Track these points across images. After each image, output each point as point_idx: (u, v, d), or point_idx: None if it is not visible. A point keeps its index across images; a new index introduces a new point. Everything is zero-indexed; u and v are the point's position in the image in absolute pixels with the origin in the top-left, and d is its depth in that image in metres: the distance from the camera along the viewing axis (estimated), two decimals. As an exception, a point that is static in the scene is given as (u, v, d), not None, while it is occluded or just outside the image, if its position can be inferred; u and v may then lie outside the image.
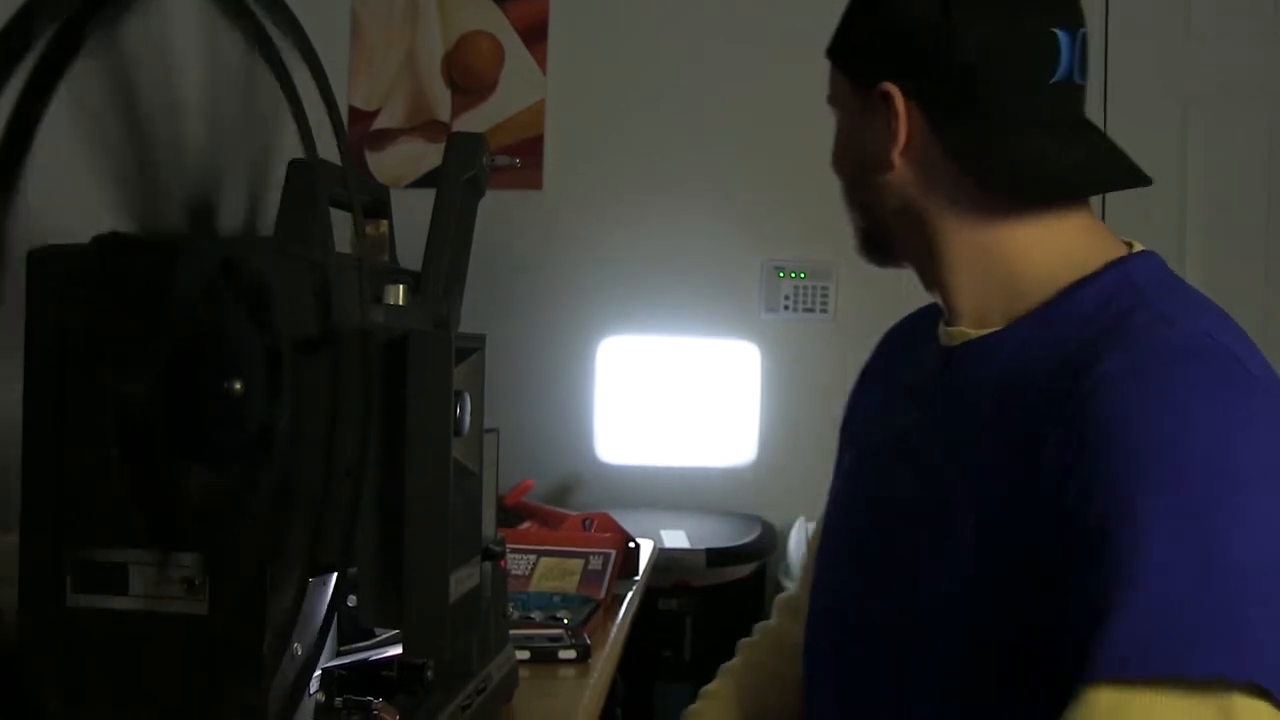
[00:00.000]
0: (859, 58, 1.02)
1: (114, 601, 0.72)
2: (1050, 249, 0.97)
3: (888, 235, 1.05)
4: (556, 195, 3.06)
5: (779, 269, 3.03)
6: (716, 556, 2.58)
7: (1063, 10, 0.96)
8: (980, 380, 0.97)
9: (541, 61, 3.07)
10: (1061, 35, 0.95)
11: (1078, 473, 0.83)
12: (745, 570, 2.68)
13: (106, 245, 0.69)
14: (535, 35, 3.07)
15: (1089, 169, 0.98)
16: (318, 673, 0.92)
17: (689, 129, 3.03)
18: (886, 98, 0.98)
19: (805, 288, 3.02)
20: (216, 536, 0.71)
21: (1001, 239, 0.98)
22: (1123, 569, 0.78)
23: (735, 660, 1.33)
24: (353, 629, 1.24)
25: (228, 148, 0.69)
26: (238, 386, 0.70)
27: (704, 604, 2.62)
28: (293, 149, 0.72)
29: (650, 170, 3.04)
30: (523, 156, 2.98)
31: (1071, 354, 0.89)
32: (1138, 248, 0.99)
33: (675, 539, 2.60)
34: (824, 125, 1.08)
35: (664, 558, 2.35)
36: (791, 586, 2.65)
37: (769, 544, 2.76)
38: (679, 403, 3.04)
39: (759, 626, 1.36)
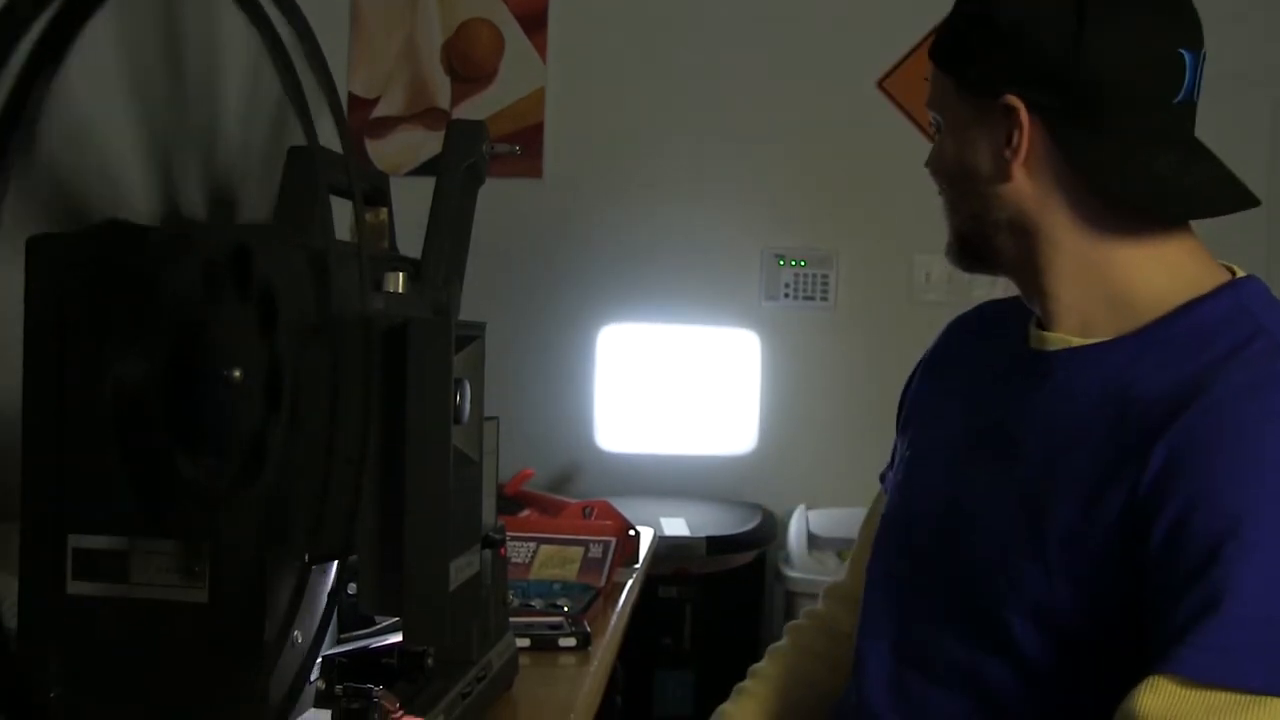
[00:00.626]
0: (976, 66, 1.01)
1: (114, 589, 0.72)
2: (1161, 268, 0.99)
3: (988, 244, 1.05)
4: (556, 183, 3.06)
5: (779, 257, 3.02)
6: (716, 544, 2.59)
7: (1188, 31, 0.97)
8: (1084, 386, 0.99)
9: (541, 49, 3.06)
10: (1187, 56, 0.96)
11: (1185, 483, 0.86)
12: (745, 558, 2.68)
13: (105, 232, 0.69)
14: (535, 23, 3.06)
15: (1209, 191, 0.99)
16: (318, 660, 0.92)
17: (689, 117, 3.03)
18: (1010, 111, 0.98)
19: (805, 276, 3.02)
20: (216, 524, 0.71)
21: (1114, 254, 0.99)
22: (1223, 581, 0.81)
23: (783, 642, 1.34)
24: (353, 617, 1.24)
25: (253, 144, 0.70)
26: (237, 374, 0.70)
27: (704, 591, 2.62)
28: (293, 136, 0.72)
29: (650, 158, 3.04)
30: (523, 145, 2.97)
31: (1189, 374, 0.92)
32: (1239, 273, 1.02)
33: (675, 527, 2.60)
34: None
35: (664, 545, 2.36)
36: (796, 574, 2.66)
37: (769, 532, 2.77)
38: (679, 391, 3.04)
39: (806, 611, 1.37)
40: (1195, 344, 0.94)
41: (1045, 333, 1.04)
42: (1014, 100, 0.97)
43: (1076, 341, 1.01)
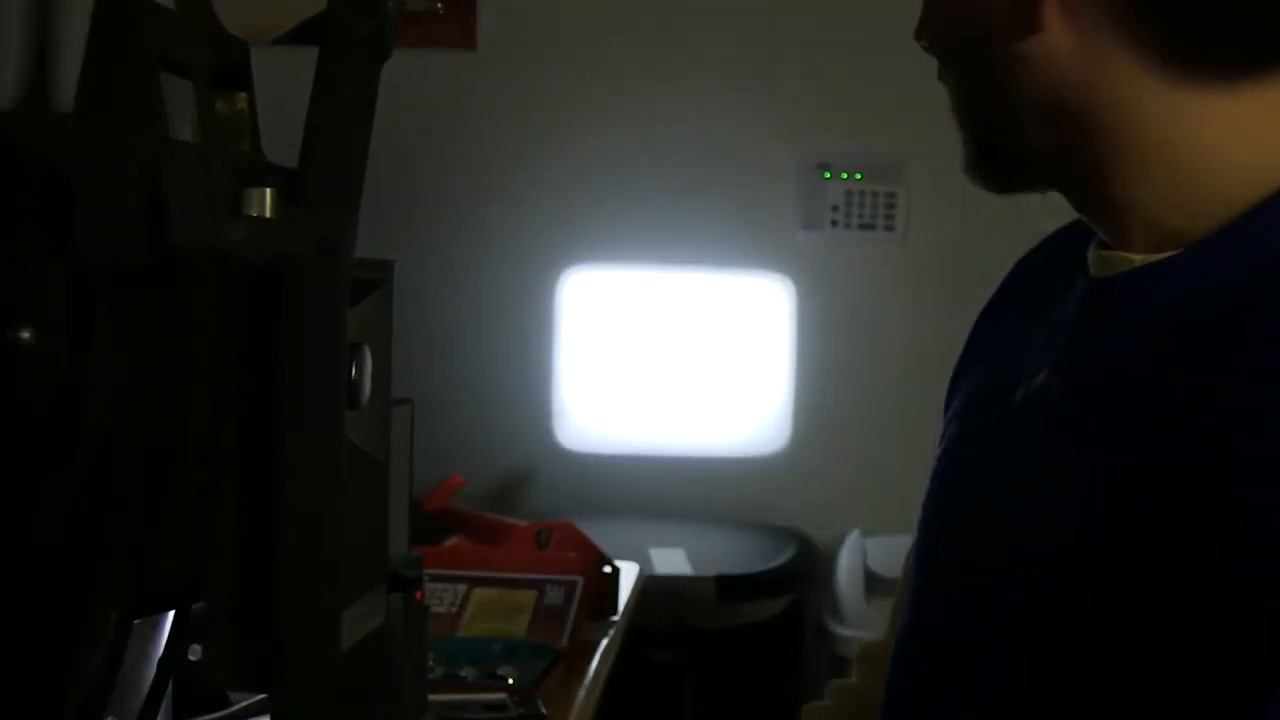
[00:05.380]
0: None
1: None
2: (1260, 138, 0.97)
3: (1017, 143, 1.03)
4: (496, 57, 3.05)
5: (825, 168, 3.02)
6: (731, 586, 2.60)
7: None
8: (1137, 325, 0.99)
9: None
10: None
11: (1223, 479, 0.84)
12: (773, 607, 2.70)
13: None
14: None
15: None
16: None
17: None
18: None
19: (862, 194, 3.02)
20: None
21: (1200, 118, 0.97)
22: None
23: None
24: (194, 696, 1.24)
25: None
26: (25, 335, 0.69)
27: (712, 655, 2.65)
28: None
29: (633, 24, 3.03)
30: (448, 1, 2.96)
31: (1248, 290, 0.90)
32: None
33: (670, 561, 2.62)
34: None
35: (655, 587, 2.37)
36: (847, 632, 2.68)
37: (807, 569, 2.79)
38: (676, 365, 3.04)
39: (832, 685, 1.38)
40: (1273, 250, 0.93)
41: (1104, 253, 1.03)
42: None
43: (1137, 260, 1.00)
